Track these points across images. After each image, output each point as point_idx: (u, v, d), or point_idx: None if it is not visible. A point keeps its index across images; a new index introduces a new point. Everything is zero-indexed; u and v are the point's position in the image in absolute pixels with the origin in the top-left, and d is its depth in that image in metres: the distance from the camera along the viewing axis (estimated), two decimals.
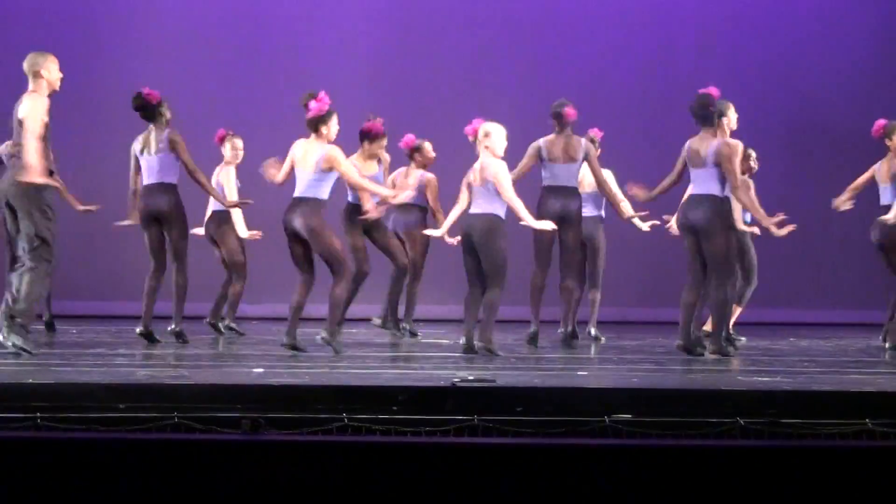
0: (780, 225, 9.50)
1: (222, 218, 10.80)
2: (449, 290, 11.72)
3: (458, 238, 9.59)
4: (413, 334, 10.84)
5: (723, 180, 9.08)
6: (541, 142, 10.03)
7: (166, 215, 9.70)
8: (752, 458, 6.27)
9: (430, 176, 10.97)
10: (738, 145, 9.15)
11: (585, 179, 10.35)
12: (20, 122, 8.42)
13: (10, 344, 8.35)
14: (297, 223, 9.00)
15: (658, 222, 10.67)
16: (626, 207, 10.30)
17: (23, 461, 6.08)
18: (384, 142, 10.65)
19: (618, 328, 11.36)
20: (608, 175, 10.39)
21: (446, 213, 9.74)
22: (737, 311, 10.53)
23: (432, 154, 11.03)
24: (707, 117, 9.18)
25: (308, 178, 9.05)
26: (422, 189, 10.88)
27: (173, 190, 9.75)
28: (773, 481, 6.14)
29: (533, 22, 14.13)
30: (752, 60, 14.04)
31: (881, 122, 10.18)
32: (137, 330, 9.74)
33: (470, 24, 14.08)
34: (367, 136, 10.55)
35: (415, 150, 11.01)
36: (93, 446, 6.25)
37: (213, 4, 14.10)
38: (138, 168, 9.83)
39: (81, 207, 10.38)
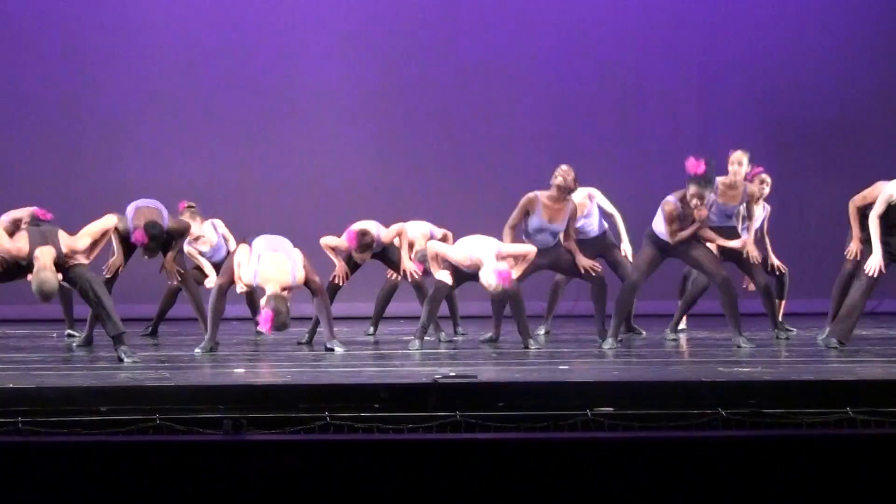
0: None
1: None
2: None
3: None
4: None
5: None
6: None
7: None
8: (733, 449, 6.27)
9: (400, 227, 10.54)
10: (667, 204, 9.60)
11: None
12: None
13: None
14: None
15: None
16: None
17: (4, 466, 6.06)
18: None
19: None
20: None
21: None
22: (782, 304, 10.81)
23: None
24: None
25: None
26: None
27: None
28: (755, 471, 6.14)
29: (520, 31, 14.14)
30: (727, 57, 14.06)
31: None
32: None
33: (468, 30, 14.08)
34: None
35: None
36: (74, 449, 6.23)
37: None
38: None
39: None
